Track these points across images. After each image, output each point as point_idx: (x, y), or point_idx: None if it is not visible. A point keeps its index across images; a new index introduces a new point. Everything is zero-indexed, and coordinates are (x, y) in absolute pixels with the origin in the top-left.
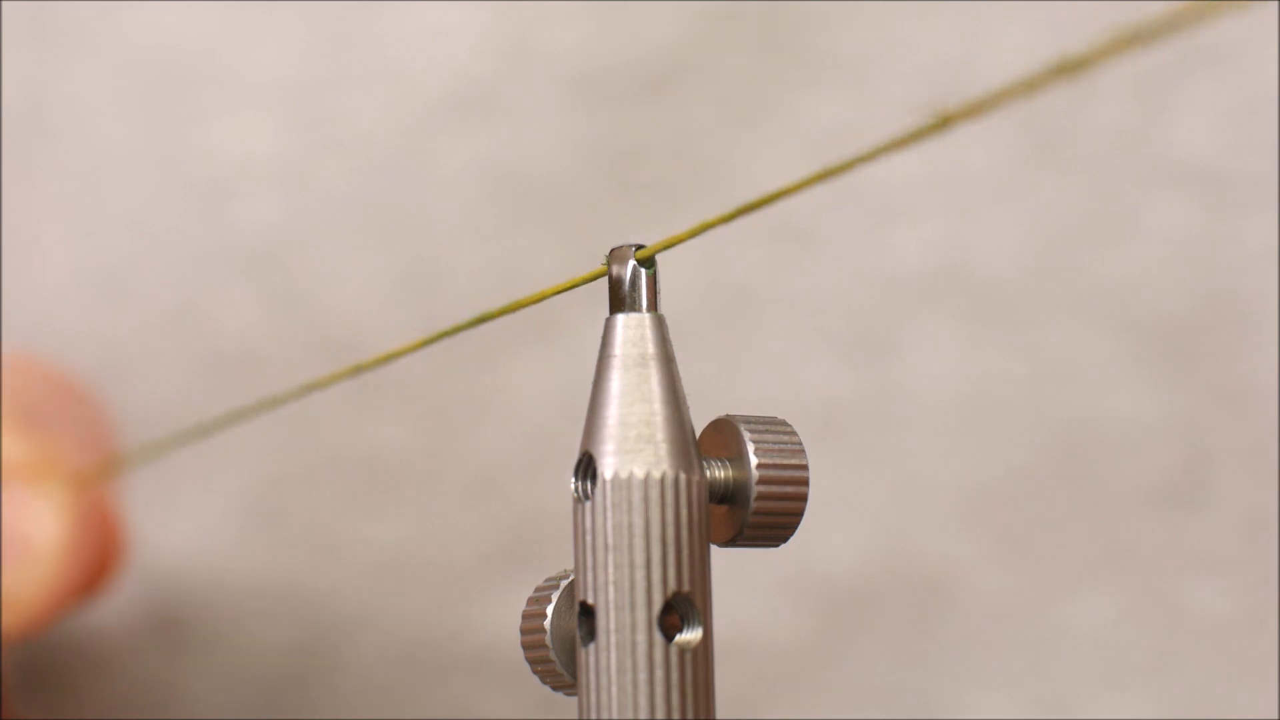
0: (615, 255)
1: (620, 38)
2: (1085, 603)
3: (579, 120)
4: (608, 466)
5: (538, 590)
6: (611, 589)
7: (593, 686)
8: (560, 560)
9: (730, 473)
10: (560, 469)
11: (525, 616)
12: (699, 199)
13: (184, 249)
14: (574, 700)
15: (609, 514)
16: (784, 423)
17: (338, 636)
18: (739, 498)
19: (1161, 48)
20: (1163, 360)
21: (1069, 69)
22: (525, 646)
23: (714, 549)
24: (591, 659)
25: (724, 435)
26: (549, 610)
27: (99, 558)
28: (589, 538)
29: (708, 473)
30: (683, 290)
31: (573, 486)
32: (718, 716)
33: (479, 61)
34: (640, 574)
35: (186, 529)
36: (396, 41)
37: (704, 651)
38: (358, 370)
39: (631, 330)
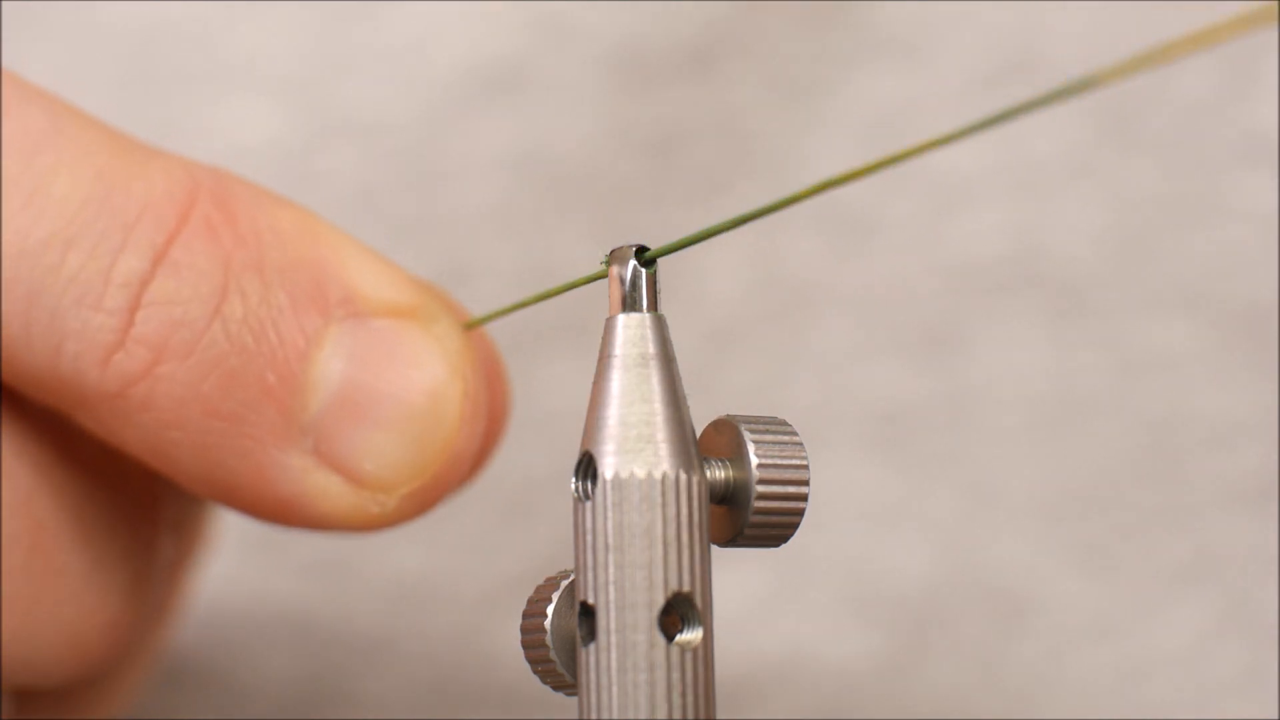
0: (615, 255)
1: (658, 11)
2: (1173, 615)
3: (614, 101)
4: (608, 466)
5: (538, 590)
6: (611, 589)
7: (593, 686)
8: None
9: (730, 473)
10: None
11: (525, 616)
12: (745, 183)
13: None
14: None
15: (609, 514)
16: (784, 423)
17: (352, 668)
18: (739, 498)
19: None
20: (1253, 349)
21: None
22: (525, 646)
23: (714, 549)
24: (591, 659)
25: (724, 435)
26: (549, 610)
27: (491, 423)
28: (589, 538)
29: (708, 473)
30: (734, 284)
31: (573, 486)
32: (718, 717)
33: (504, 37)
34: (640, 574)
35: None
36: (412, 16)
37: (704, 651)
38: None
39: (631, 330)
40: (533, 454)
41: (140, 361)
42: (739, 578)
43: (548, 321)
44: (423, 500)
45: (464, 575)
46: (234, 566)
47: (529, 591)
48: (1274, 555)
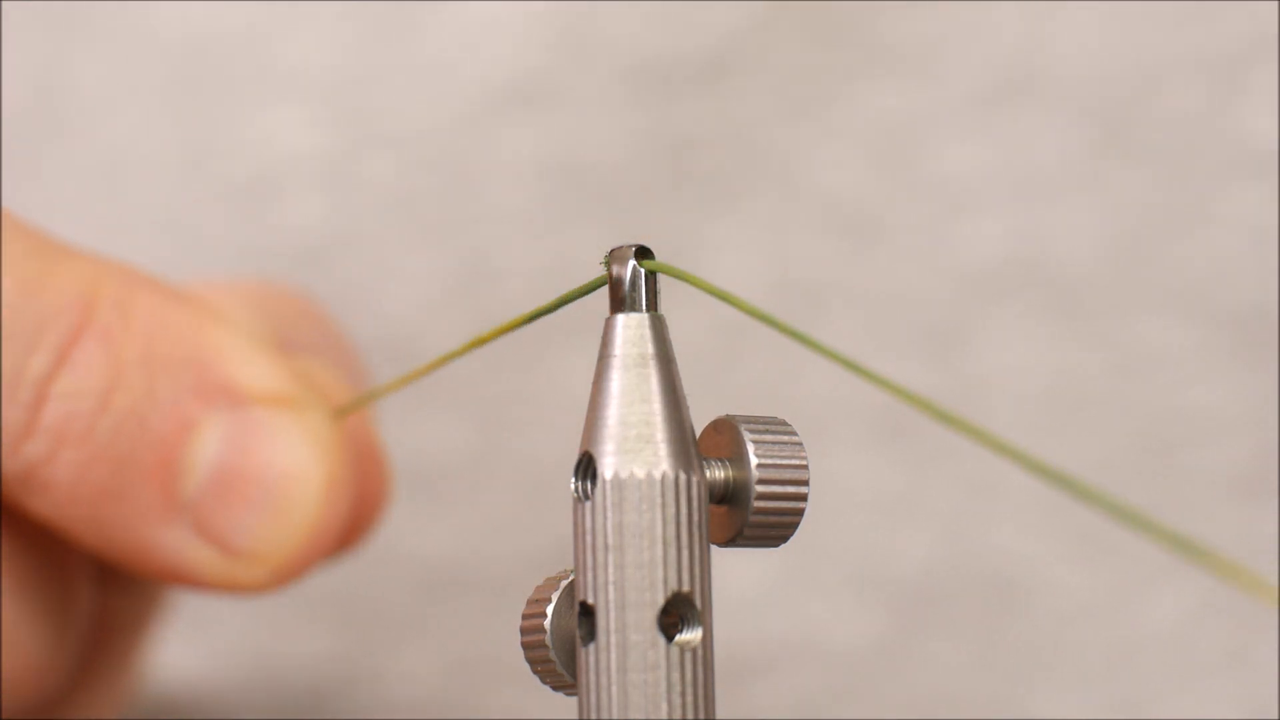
0: (615, 255)
1: (675, 26)
2: (1162, 600)
3: (634, 111)
4: (608, 466)
5: (538, 590)
6: (611, 589)
7: (593, 686)
8: None
9: (730, 473)
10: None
11: (525, 616)
12: (757, 191)
13: (223, 249)
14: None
15: (609, 514)
16: (784, 422)
17: (383, 647)
18: (739, 498)
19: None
20: (1243, 350)
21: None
22: (525, 646)
23: (715, 549)
24: (591, 659)
25: (724, 435)
26: (549, 610)
27: (362, 503)
28: (589, 538)
29: (708, 473)
30: (745, 284)
31: (573, 486)
32: (717, 715)
33: (530, 52)
34: (640, 574)
35: None
36: (444, 32)
37: (704, 651)
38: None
39: (631, 330)
40: (553, 440)
41: (44, 449)
42: (749, 564)
43: (571, 312)
44: (291, 570)
45: (489, 558)
46: None
47: (548, 573)
48: (1259, 543)
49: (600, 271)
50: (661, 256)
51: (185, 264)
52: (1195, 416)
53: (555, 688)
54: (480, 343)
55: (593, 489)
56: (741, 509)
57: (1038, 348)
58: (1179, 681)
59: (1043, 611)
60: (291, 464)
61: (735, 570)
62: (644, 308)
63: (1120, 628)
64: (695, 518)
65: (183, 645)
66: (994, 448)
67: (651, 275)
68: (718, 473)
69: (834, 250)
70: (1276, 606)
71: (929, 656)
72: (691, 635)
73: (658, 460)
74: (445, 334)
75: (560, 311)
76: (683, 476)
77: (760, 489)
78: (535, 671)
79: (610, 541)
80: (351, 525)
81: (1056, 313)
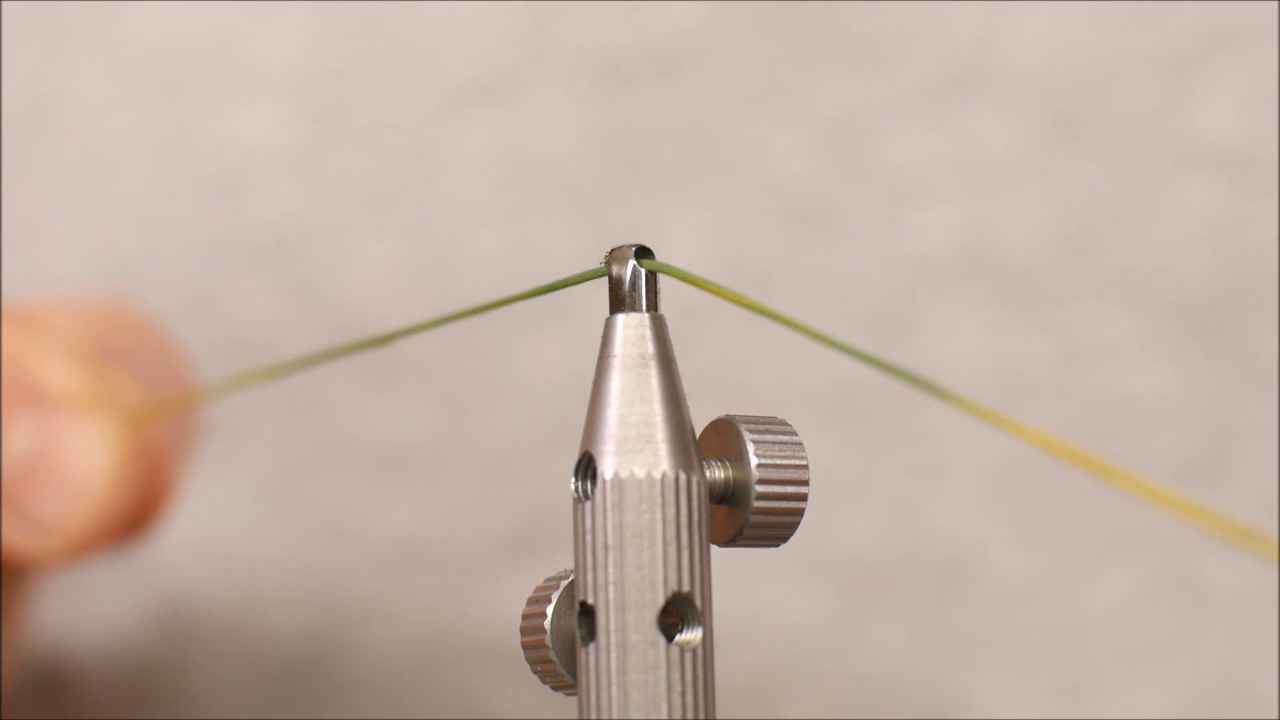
0: (615, 255)
1: (634, 22)
2: (1106, 582)
3: (593, 104)
4: (608, 466)
5: (538, 590)
6: (611, 589)
7: (593, 686)
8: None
9: (730, 473)
10: (575, 453)
11: (525, 616)
12: (711, 179)
13: (196, 240)
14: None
15: (609, 514)
16: (784, 422)
17: (352, 623)
18: (739, 498)
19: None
20: (1187, 340)
21: None
22: (525, 646)
23: (715, 549)
24: (591, 659)
25: (724, 435)
26: (549, 610)
27: (145, 496)
28: (589, 538)
29: (708, 473)
30: (697, 269)
31: (573, 486)
32: (717, 715)
33: (493, 48)
34: (640, 574)
35: (199, 515)
36: (410, 29)
37: (704, 651)
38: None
39: (631, 330)
40: (516, 422)
41: None
42: None
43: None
44: (80, 547)
45: (450, 537)
46: (247, 521)
47: (510, 552)
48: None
49: (597, 263)
50: (615, 243)
51: (163, 255)
52: (1142, 404)
53: (555, 688)
54: (452, 319)
55: (593, 489)
56: (741, 509)
57: (987, 335)
58: (1123, 664)
59: (989, 593)
60: (83, 457)
61: None
62: (644, 308)
63: (1066, 610)
64: (695, 518)
65: (152, 624)
66: (985, 417)
67: (652, 275)
68: (718, 473)
69: (786, 237)
70: (1277, 560)
71: (876, 637)
72: (691, 635)
73: (658, 460)
74: (408, 320)
75: (515, 307)
76: (683, 476)
77: (760, 489)
78: (535, 671)
79: (610, 541)
80: (136, 513)
81: (1005, 301)
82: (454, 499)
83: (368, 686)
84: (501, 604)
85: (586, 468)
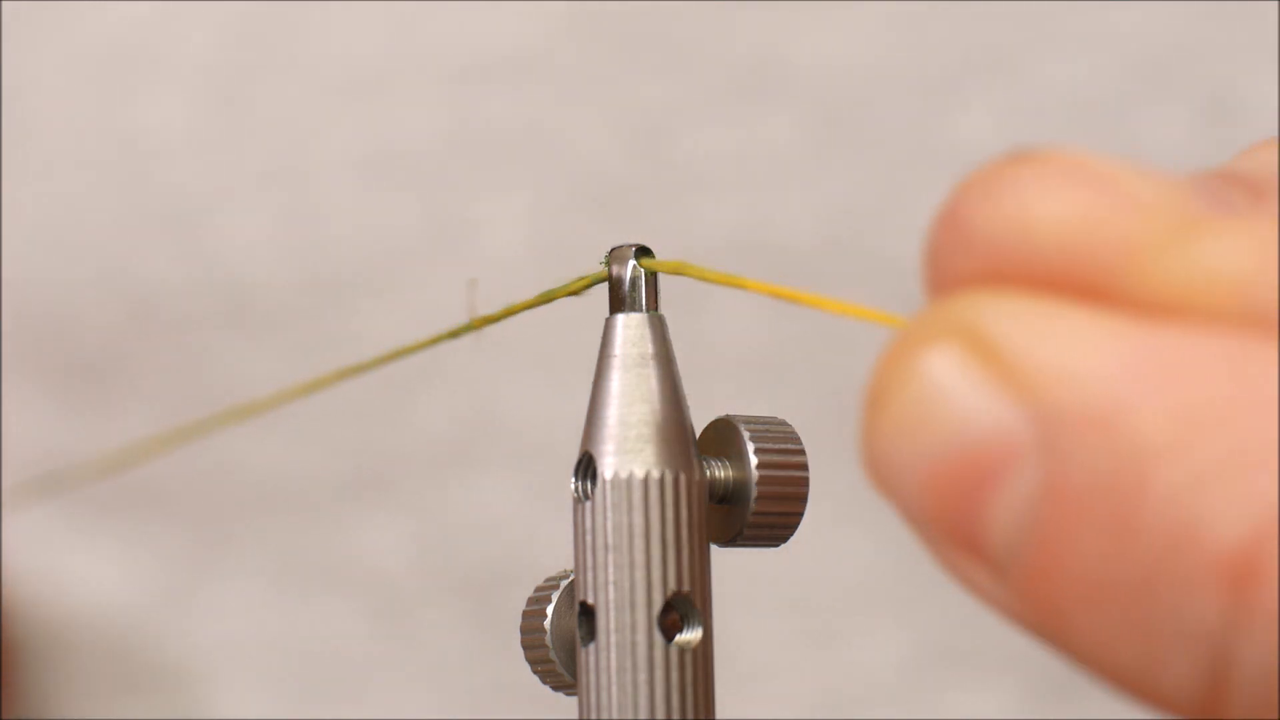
0: (615, 255)
1: (486, 31)
2: (848, 543)
3: (449, 105)
4: (608, 466)
5: (538, 590)
6: (611, 589)
7: (593, 686)
8: (390, 493)
9: (730, 473)
10: (414, 399)
11: (525, 616)
12: (531, 172)
13: (108, 214)
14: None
15: (609, 514)
16: (784, 422)
17: (211, 562)
18: (739, 498)
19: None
20: None
21: None
22: (525, 646)
23: (714, 549)
24: (591, 659)
25: (724, 435)
26: (549, 610)
27: None
28: (589, 538)
29: (708, 473)
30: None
31: (573, 486)
32: (717, 715)
33: (361, 51)
34: (640, 574)
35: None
36: (302, 32)
37: (704, 651)
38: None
39: (631, 330)
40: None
41: None
42: None
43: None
44: None
45: (315, 471)
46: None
47: (375, 486)
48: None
49: (598, 269)
50: (449, 229)
51: (82, 226)
52: None
53: (555, 688)
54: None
55: (593, 489)
56: (741, 509)
57: (760, 318)
58: (858, 622)
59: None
60: None
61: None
62: (644, 308)
63: (805, 568)
64: (695, 518)
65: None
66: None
67: (652, 275)
68: (718, 473)
69: (586, 222)
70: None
71: None
72: (691, 635)
73: (658, 460)
74: (279, 290)
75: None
76: (683, 476)
77: (760, 489)
78: (535, 671)
79: (610, 541)
80: None
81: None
82: (318, 434)
83: (230, 618)
84: (370, 534)
85: (586, 468)
